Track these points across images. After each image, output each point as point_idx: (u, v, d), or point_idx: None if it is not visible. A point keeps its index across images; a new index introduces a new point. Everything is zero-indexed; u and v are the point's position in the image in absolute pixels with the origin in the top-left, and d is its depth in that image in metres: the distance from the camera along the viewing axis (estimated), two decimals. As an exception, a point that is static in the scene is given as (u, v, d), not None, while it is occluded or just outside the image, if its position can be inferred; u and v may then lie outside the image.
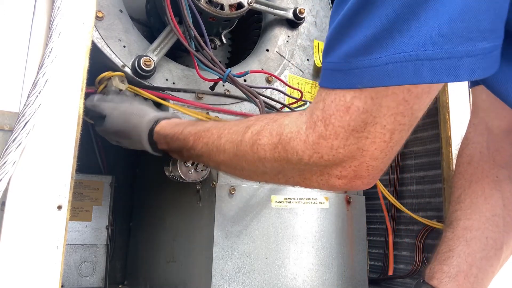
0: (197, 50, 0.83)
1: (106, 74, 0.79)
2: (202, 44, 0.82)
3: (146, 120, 0.74)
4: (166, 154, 0.75)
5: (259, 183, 0.85)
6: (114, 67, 0.82)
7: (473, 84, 0.75)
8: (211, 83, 0.89)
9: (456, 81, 0.43)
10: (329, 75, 0.49)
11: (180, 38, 0.82)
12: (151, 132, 0.73)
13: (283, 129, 0.54)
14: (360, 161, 0.49)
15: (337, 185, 0.53)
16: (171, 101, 0.84)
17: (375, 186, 1.08)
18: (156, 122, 0.74)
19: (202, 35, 0.83)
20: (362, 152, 0.49)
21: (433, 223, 1.01)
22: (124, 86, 0.80)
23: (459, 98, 0.92)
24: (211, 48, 0.89)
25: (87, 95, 0.82)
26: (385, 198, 1.08)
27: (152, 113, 0.76)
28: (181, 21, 0.83)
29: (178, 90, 0.85)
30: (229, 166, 0.63)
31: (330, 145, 0.49)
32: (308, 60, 1.07)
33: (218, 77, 0.83)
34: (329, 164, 0.51)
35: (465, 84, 0.93)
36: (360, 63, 0.45)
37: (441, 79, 0.42)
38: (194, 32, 0.81)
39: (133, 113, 0.76)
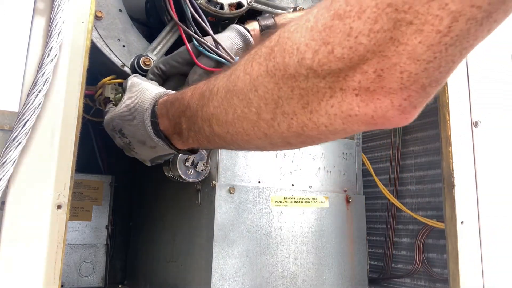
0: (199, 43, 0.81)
1: (105, 80, 0.79)
2: (208, 30, 0.80)
3: (155, 93, 0.63)
4: (168, 141, 0.62)
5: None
6: (113, 67, 0.82)
7: None
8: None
9: None
10: None
11: (181, 25, 0.80)
12: (155, 103, 0.61)
13: (287, 25, 0.39)
14: (391, 61, 0.32)
15: (354, 107, 0.36)
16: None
17: (375, 185, 1.09)
18: (165, 94, 0.63)
19: (203, 33, 0.83)
20: (397, 47, 0.32)
21: (434, 222, 1.01)
22: (115, 95, 0.79)
23: (459, 98, 0.92)
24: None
25: (87, 96, 0.82)
26: (385, 197, 1.08)
27: (165, 90, 0.65)
28: (181, 19, 0.83)
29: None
30: (220, 114, 0.47)
31: (348, 28, 0.33)
32: (308, 59, 1.07)
33: (216, 64, 0.79)
34: (342, 67, 0.34)
35: (465, 84, 0.93)
36: None
37: None
38: (195, 30, 0.80)
39: (146, 88, 0.65)
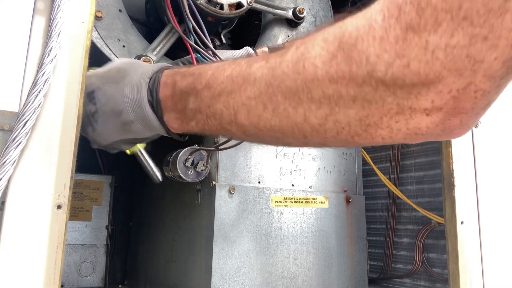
0: (196, 45, 0.82)
1: None
2: (203, 37, 0.81)
3: (146, 69, 0.55)
4: (161, 121, 0.54)
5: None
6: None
7: None
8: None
9: None
10: None
11: (179, 32, 0.81)
12: (156, 74, 0.53)
13: (345, 28, 0.36)
14: (467, 80, 0.31)
15: (423, 128, 0.34)
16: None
17: (377, 185, 1.09)
18: (161, 69, 0.55)
19: (202, 32, 0.83)
20: (474, 64, 0.31)
21: (434, 216, 1.01)
22: None
23: (459, 97, 0.92)
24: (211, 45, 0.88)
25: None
26: (385, 197, 1.08)
27: (141, 69, 0.56)
28: (180, 20, 0.83)
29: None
30: (256, 106, 0.43)
31: (424, 42, 0.31)
32: (308, 60, 1.07)
33: None
34: (417, 83, 0.33)
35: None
36: None
37: None
38: (193, 24, 0.81)
39: (127, 67, 0.56)
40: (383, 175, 1.07)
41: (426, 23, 0.31)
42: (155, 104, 0.53)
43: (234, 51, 0.85)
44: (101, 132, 0.58)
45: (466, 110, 0.33)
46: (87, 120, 0.58)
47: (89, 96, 0.57)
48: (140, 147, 0.70)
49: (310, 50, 0.38)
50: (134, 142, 0.62)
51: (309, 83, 0.38)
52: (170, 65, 0.57)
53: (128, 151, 0.67)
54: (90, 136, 0.60)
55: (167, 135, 0.57)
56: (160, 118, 0.53)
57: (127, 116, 0.55)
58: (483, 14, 0.29)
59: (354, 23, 0.36)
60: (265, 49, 0.87)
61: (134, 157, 0.71)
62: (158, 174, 0.70)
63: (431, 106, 0.33)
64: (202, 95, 0.48)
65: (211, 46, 0.82)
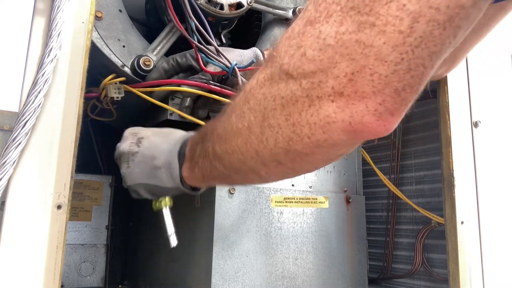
0: (200, 44, 0.82)
1: (105, 81, 0.79)
2: (206, 36, 0.81)
3: (178, 137, 0.64)
4: (187, 185, 0.62)
5: (256, 184, 0.85)
6: (113, 67, 0.82)
7: None
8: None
9: None
10: None
11: (182, 32, 0.81)
12: (184, 143, 0.61)
13: (277, 43, 0.41)
14: (360, 64, 0.34)
15: (331, 114, 0.36)
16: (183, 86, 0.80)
17: (377, 185, 1.09)
18: (187, 140, 0.62)
19: (204, 30, 0.83)
20: (364, 49, 0.33)
21: (437, 217, 1.01)
22: (119, 94, 0.79)
23: (459, 98, 0.92)
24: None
25: (90, 99, 0.82)
26: (385, 197, 1.08)
27: (182, 133, 0.66)
28: (181, 20, 0.83)
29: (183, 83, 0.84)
30: (221, 133, 0.49)
31: (318, 32, 0.35)
32: (308, 60, 1.07)
33: (221, 70, 0.81)
34: (314, 70, 0.36)
35: (465, 84, 0.93)
36: None
37: None
38: (196, 24, 0.81)
39: (177, 130, 0.66)
40: (383, 175, 1.07)
41: (320, 15, 0.35)
42: (181, 156, 0.61)
43: (243, 50, 0.85)
44: (132, 170, 0.66)
45: (368, 94, 0.34)
46: (127, 157, 0.66)
47: (138, 140, 0.67)
48: (165, 205, 0.72)
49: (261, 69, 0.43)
50: (152, 192, 0.68)
51: (248, 94, 0.44)
52: (187, 135, 0.64)
53: (154, 206, 0.71)
54: (122, 171, 0.68)
55: (182, 188, 0.64)
56: (180, 167, 0.61)
57: (158, 162, 0.63)
58: (368, 4, 0.33)
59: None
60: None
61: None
62: (174, 240, 0.72)
63: (332, 92, 0.36)
64: (202, 139, 0.56)
65: (215, 44, 0.82)
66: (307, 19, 0.37)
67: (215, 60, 0.80)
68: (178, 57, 0.82)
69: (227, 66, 0.79)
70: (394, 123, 0.36)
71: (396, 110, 0.35)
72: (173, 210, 0.93)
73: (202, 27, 0.82)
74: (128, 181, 0.67)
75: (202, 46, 0.80)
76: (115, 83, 0.79)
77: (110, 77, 0.80)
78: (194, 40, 0.81)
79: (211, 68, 0.81)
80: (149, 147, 0.65)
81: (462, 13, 0.31)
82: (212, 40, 0.82)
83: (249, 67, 0.79)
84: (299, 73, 0.37)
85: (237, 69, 0.79)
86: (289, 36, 0.38)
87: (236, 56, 0.83)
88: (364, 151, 1.06)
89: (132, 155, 0.66)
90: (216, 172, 0.54)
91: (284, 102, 0.39)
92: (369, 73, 0.34)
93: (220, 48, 0.82)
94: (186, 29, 0.84)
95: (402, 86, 0.34)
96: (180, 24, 0.82)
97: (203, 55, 0.80)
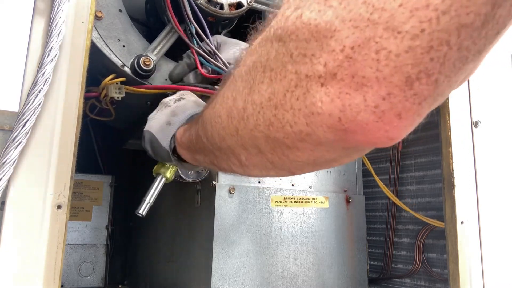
0: (198, 47, 0.83)
1: (106, 81, 0.79)
2: (205, 39, 0.82)
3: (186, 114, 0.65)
4: (179, 157, 0.62)
5: (254, 176, 0.85)
6: (113, 67, 0.82)
7: None
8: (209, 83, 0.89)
9: None
10: None
11: (181, 35, 0.82)
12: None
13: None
14: (364, 34, 0.25)
15: (317, 105, 0.29)
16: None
17: (377, 185, 1.09)
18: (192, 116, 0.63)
19: (203, 32, 0.83)
20: (372, 12, 0.25)
21: (435, 222, 1.01)
22: (119, 94, 0.79)
23: (459, 98, 0.92)
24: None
25: (89, 98, 0.82)
26: (385, 197, 1.08)
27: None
28: (180, 20, 0.83)
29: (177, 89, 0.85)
30: (210, 101, 0.47)
31: None
32: (308, 59, 1.07)
33: (219, 73, 0.82)
34: (309, 38, 0.28)
35: (465, 84, 0.93)
36: None
37: None
38: (195, 27, 0.81)
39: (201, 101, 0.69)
40: (385, 187, 1.07)
41: None
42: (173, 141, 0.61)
43: (240, 42, 0.86)
44: (155, 118, 0.67)
45: (369, 80, 0.25)
46: (160, 106, 0.69)
47: (178, 98, 0.69)
48: (163, 174, 0.75)
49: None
50: (153, 148, 0.67)
51: (240, 61, 0.38)
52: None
53: (155, 168, 0.74)
54: (150, 115, 0.69)
55: (172, 158, 0.64)
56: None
57: (174, 119, 0.64)
58: None
59: None
60: None
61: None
62: (144, 209, 0.76)
63: (324, 71, 0.27)
64: (198, 122, 0.52)
65: (213, 48, 0.82)
66: None
67: (212, 64, 0.80)
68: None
69: (223, 69, 0.80)
70: (400, 130, 0.27)
71: (405, 110, 0.26)
72: (173, 210, 0.93)
73: (201, 29, 0.83)
74: (146, 125, 0.69)
75: (200, 51, 0.81)
76: (116, 83, 0.79)
77: (110, 77, 0.80)
78: (194, 42, 0.82)
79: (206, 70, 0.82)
80: (181, 105, 0.67)
81: None
82: (211, 43, 0.82)
83: None
84: (292, 39, 0.29)
85: None
86: None
87: (236, 51, 0.84)
88: (365, 156, 1.06)
89: (165, 107, 0.68)
90: (200, 143, 0.50)
91: (272, 76, 0.32)
92: (374, 49, 0.25)
93: (226, 39, 0.82)
94: (185, 30, 0.84)
95: (417, 72, 0.25)
96: (179, 26, 0.83)
97: (201, 58, 0.81)
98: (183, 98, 0.70)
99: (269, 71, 0.32)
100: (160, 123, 0.66)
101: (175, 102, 0.69)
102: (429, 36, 0.24)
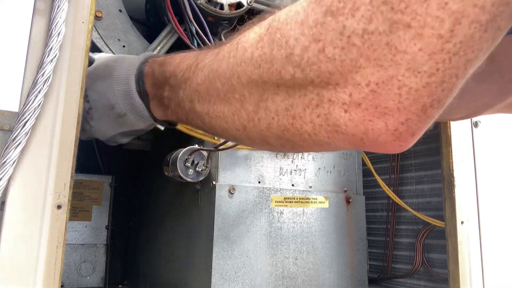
0: (199, 48, 0.83)
1: None
2: (206, 41, 0.82)
3: (133, 61, 0.56)
4: (148, 107, 0.55)
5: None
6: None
7: None
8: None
9: None
10: None
11: (181, 36, 0.82)
12: (143, 64, 0.55)
13: (279, 13, 0.36)
14: (388, 73, 0.28)
15: (342, 124, 0.32)
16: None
17: (377, 185, 1.09)
18: (146, 59, 0.56)
19: (204, 33, 0.83)
20: (395, 55, 0.28)
21: (436, 221, 1.01)
22: None
23: (459, 97, 0.92)
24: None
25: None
26: (385, 197, 1.08)
27: (125, 64, 0.57)
28: (181, 20, 0.83)
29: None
30: (202, 93, 0.44)
31: (341, 27, 0.29)
32: (308, 60, 1.07)
33: None
34: (333, 71, 0.31)
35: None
36: None
37: None
38: (196, 28, 0.81)
39: (113, 63, 0.58)
40: (386, 186, 1.07)
41: (344, 6, 0.29)
42: (143, 94, 0.54)
43: None
44: (98, 128, 0.59)
45: (391, 111, 0.29)
46: (84, 118, 0.58)
47: (84, 95, 0.57)
48: None
49: (246, 34, 0.38)
50: (131, 134, 0.62)
51: (237, 67, 0.38)
52: (154, 54, 0.58)
53: None
54: (89, 133, 0.61)
55: (156, 124, 0.59)
56: (148, 107, 0.54)
57: (119, 109, 0.56)
58: (405, 0, 0.27)
59: (288, 9, 0.35)
60: None
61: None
62: None
63: (349, 101, 0.30)
64: (170, 84, 0.49)
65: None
66: (328, 7, 0.30)
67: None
68: None
69: None
70: (412, 143, 0.32)
71: (418, 129, 0.31)
72: (173, 210, 0.93)
73: (201, 29, 0.83)
74: (100, 137, 0.60)
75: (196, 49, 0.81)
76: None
77: None
78: (194, 43, 0.82)
79: None
80: (99, 97, 0.57)
81: (506, 11, 0.27)
82: (212, 44, 0.82)
83: None
84: (313, 70, 0.31)
85: None
86: (302, 22, 0.32)
87: None
88: (365, 156, 1.06)
89: (87, 114, 0.58)
90: (195, 124, 0.49)
91: (290, 92, 0.34)
92: (397, 86, 0.28)
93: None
94: (185, 30, 0.84)
95: (431, 101, 0.29)
96: (179, 26, 0.83)
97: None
98: (85, 91, 0.56)
99: (285, 87, 0.34)
100: (113, 123, 0.57)
101: (87, 101, 0.58)
102: (442, 73, 0.28)
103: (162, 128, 0.61)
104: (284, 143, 0.38)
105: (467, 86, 0.50)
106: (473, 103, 0.69)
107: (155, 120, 0.57)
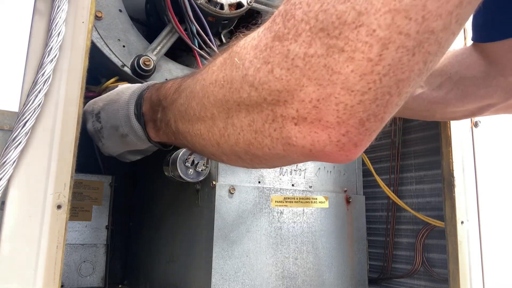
0: (200, 48, 0.83)
1: (108, 83, 0.80)
2: (207, 40, 0.82)
3: (136, 88, 0.63)
4: (144, 129, 0.61)
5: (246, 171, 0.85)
6: (113, 67, 0.82)
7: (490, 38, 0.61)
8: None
9: None
10: None
11: (182, 36, 0.82)
12: (142, 93, 0.61)
13: (240, 41, 0.40)
14: (326, 91, 0.32)
15: (292, 137, 0.36)
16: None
17: (377, 185, 1.09)
18: (148, 87, 0.62)
19: (205, 33, 0.83)
20: (331, 75, 0.32)
21: (436, 222, 1.01)
22: None
23: (459, 97, 0.92)
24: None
25: (89, 99, 0.82)
26: (385, 197, 1.08)
27: (129, 90, 0.65)
28: (181, 20, 0.83)
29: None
30: (182, 113, 0.48)
31: (286, 50, 0.33)
32: (308, 59, 1.07)
33: None
34: (281, 89, 0.34)
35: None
36: None
37: None
38: (197, 28, 0.81)
39: (124, 89, 0.65)
40: (386, 186, 1.07)
41: (289, 32, 0.33)
42: (139, 117, 0.60)
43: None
44: (108, 145, 0.67)
45: (332, 124, 0.33)
46: (97, 136, 0.67)
47: (96, 116, 0.66)
48: None
49: (216, 59, 0.43)
50: (138, 153, 0.69)
51: (206, 88, 0.42)
52: (157, 82, 0.63)
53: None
54: (102, 149, 0.70)
55: (155, 146, 0.64)
56: (144, 129, 0.60)
57: (122, 130, 0.62)
58: (338, 26, 0.31)
59: (248, 35, 0.39)
60: None
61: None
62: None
63: (296, 115, 0.34)
64: (162, 105, 0.54)
65: (215, 49, 0.82)
66: (275, 33, 0.35)
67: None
68: None
69: None
70: (357, 153, 0.35)
71: (359, 141, 0.34)
72: (173, 210, 0.93)
73: (202, 29, 0.83)
74: (111, 154, 0.69)
75: (202, 52, 0.81)
76: (117, 85, 0.80)
77: (113, 79, 0.80)
78: (195, 43, 0.82)
79: None
80: (108, 119, 0.64)
81: (432, 38, 0.30)
82: (213, 45, 0.82)
83: None
84: (265, 89, 0.36)
85: None
86: (256, 46, 0.37)
87: None
88: (365, 156, 1.06)
89: (99, 132, 0.67)
90: (181, 143, 0.54)
91: (250, 109, 0.38)
92: (334, 102, 0.32)
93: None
94: (185, 30, 0.84)
95: (367, 116, 0.33)
96: (180, 26, 0.83)
97: (202, 59, 0.81)
98: (98, 112, 0.67)
99: (244, 105, 0.38)
100: (119, 142, 0.64)
101: (99, 122, 0.66)
102: (374, 92, 0.31)
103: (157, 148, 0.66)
104: (252, 157, 0.42)
105: (468, 92, 0.56)
106: (476, 104, 0.70)
107: (150, 141, 0.62)
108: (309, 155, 0.36)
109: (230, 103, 0.40)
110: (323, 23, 0.31)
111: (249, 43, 0.38)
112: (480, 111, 0.73)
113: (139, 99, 0.60)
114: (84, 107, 0.80)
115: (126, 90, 0.64)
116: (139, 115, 0.60)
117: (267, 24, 0.37)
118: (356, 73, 0.31)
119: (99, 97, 0.70)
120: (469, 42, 0.70)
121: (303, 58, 0.33)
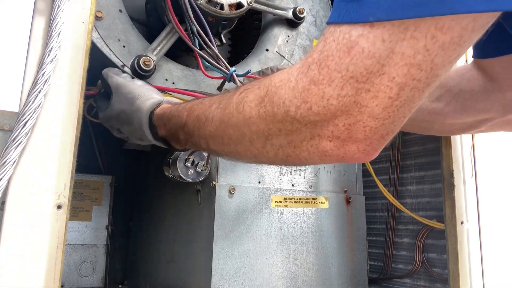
0: (201, 48, 0.83)
1: None
2: (207, 41, 0.82)
3: (150, 103, 0.70)
4: (167, 143, 0.69)
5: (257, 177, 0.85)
6: (113, 67, 0.82)
7: (487, 55, 0.68)
8: (210, 85, 0.89)
9: (495, 10, 0.36)
10: (340, 7, 0.41)
11: (182, 36, 0.82)
12: (151, 114, 0.68)
13: (273, 80, 0.48)
14: (356, 119, 0.42)
15: (328, 150, 0.45)
16: (170, 93, 0.83)
17: (375, 185, 1.09)
18: (159, 104, 0.69)
19: (205, 33, 0.83)
20: (360, 108, 0.41)
21: (433, 223, 1.01)
22: None
23: (459, 97, 0.92)
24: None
25: (88, 96, 0.82)
26: (385, 197, 1.08)
27: (157, 97, 0.72)
28: (181, 20, 0.83)
29: (177, 92, 0.85)
30: (216, 138, 0.56)
31: (322, 93, 0.42)
32: (308, 60, 1.07)
33: (221, 75, 0.82)
34: (319, 120, 0.43)
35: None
36: None
37: (475, 7, 0.35)
38: (197, 28, 0.81)
39: (138, 95, 0.72)
40: (383, 187, 1.07)
41: (323, 78, 0.42)
42: (159, 138, 0.68)
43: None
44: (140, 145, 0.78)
45: (360, 140, 0.43)
46: (127, 139, 0.78)
47: (118, 130, 0.77)
48: None
49: (248, 95, 0.50)
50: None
51: (247, 120, 0.50)
52: (156, 101, 0.70)
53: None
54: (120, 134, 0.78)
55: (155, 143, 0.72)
56: (167, 144, 0.69)
57: (148, 142, 0.72)
58: (365, 75, 0.40)
59: (279, 76, 0.47)
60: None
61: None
62: None
63: (331, 135, 0.44)
64: (184, 131, 0.62)
65: (215, 50, 0.82)
66: (311, 78, 0.43)
67: (215, 67, 0.80)
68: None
69: (225, 72, 0.80)
70: (376, 155, 0.46)
71: (379, 147, 0.45)
72: (173, 210, 0.93)
73: (202, 29, 0.83)
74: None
75: (202, 53, 0.81)
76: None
77: None
78: (195, 43, 0.82)
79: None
80: (131, 133, 0.75)
81: (437, 79, 0.40)
82: (213, 45, 0.82)
83: (247, 75, 0.80)
84: (305, 120, 0.44)
85: (235, 76, 0.79)
86: (293, 88, 0.45)
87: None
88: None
89: (128, 139, 0.77)
90: (212, 153, 0.67)
91: (289, 133, 0.47)
92: (362, 126, 0.42)
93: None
94: (185, 30, 0.84)
95: (386, 132, 0.43)
96: (180, 26, 0.83)
97: (203, 60, 0.81)
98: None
99: (285, 131, 0.47)
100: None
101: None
102: (393, 118, 0.42)
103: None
104: (287, 164, 0.54)
105: (467, 105, 0.69)
106: (474, 117, 0.73)
107: (177, 150, 0.75)
108: (341, 160, 0.46)
109: (272, 130, 0.48)
110: (353, 73, 0.40)
111: (285, 85, 0.46)
112: (477, 125, 0.76)
113: (151, 126, 0.68)
114: (84, 107, 0.80)
115: (133, 113, 0.71)
116: (157, 136, 0.69)
117: (302, 69, 0.44)
118: (380, 107, 0.41)
119: (108, 115, 0.76)
120: (470, 59, 0.72)
121: (336, 98, 0.42)
